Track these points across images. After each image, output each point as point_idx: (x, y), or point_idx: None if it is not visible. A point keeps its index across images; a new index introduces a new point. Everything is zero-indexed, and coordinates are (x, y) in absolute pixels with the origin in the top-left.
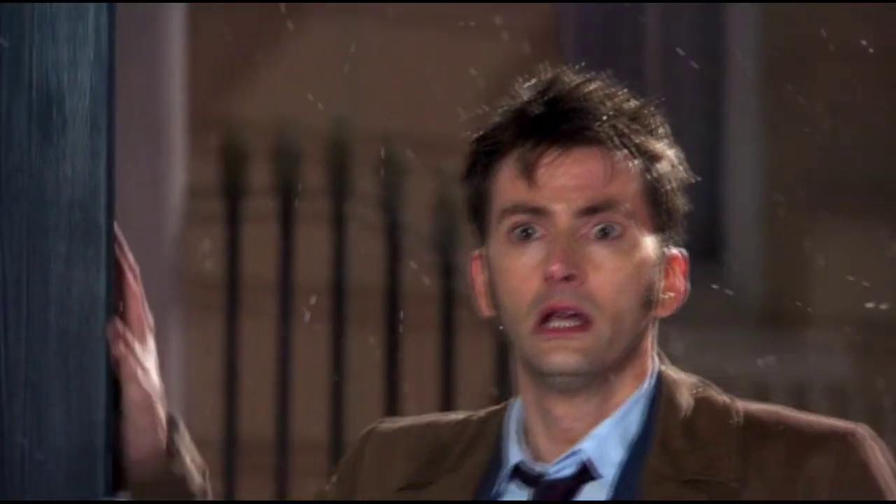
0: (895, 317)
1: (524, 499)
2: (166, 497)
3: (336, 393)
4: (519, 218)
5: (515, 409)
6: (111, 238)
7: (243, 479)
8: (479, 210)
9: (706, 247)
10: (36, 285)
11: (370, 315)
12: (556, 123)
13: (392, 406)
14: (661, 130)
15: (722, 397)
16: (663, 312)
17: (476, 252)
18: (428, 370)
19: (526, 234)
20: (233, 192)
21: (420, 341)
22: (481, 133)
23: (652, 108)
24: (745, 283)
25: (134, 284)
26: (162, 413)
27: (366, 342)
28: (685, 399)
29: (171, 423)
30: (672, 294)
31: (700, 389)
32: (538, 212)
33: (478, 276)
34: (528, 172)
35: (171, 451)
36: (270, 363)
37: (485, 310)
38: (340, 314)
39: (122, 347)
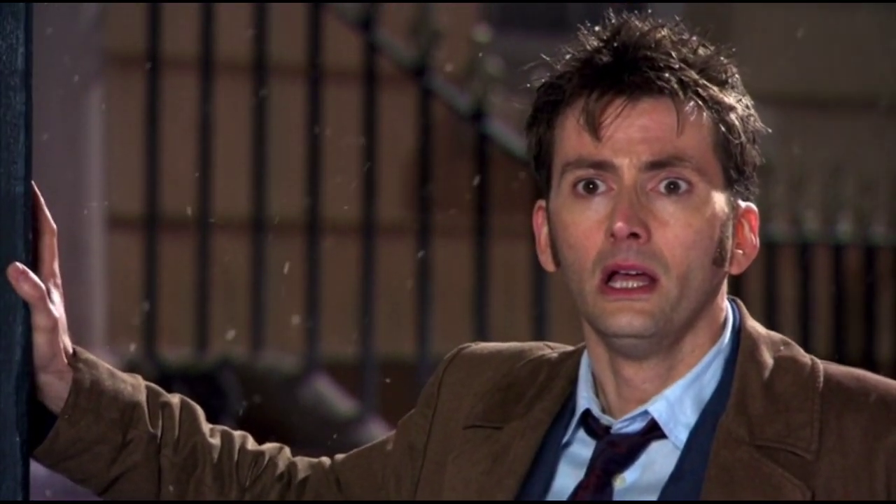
0: None
1: (590, 450)
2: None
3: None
4: (582, 172)
5: (587, 357)
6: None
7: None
8: (542, 161)
9: None
10: None
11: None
12: (623, 73)
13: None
14: (732, 80)
15: (805, 358)
16: (735, 270)
17: (540, 203)
18: None
19: (590, 189)
20: None
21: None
22: (545, 82)
23: (723, 58)
24: None
25: (51, 244)
26: (66, 339)
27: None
28: (766, 357)
29: (77, 352)
30: (744, 250)
31: (783, 348)
32: (602, 166)
33: (541, 228)
34: (591, 124)
35: (74, 368)
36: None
37: (548, 264)
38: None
39: (25, 286)
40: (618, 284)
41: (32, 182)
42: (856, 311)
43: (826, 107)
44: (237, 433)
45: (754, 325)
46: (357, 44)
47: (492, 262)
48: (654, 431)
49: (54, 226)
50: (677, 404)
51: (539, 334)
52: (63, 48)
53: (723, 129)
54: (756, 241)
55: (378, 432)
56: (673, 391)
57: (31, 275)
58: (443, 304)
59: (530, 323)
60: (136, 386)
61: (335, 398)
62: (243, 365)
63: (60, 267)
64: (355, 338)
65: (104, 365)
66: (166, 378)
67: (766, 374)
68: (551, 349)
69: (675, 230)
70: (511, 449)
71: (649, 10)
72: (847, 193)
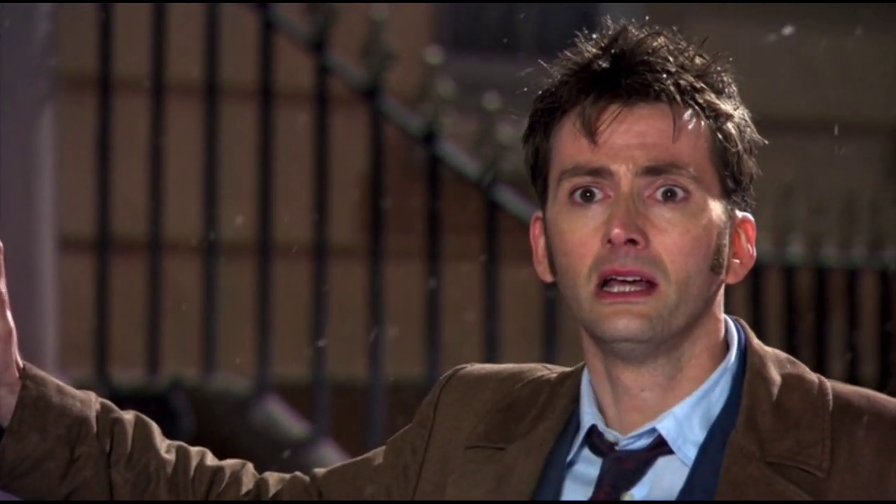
0: None
1: (597, 468)
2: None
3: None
4: (579, 180)
5: (587, 373)
6: None
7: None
8: (539, 171)
9: None
10: None
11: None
12: (620, 77)
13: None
14: (729, 90)
15: (812, 376)
16: (731, 279)
17: (537, 214)
18: None
19: (587, 197)
20: None
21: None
22: (542, 90)
23: (719, 66)
24: None
25: None
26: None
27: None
28: (774, 375)
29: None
30: (740, 260)
31: (790, 366)
32: (599, 173)
33: (538, 239)
34: (588, 129)
35: (22, 385)
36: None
37: (545, 275)
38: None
39: None
40: (615, 289)
41: None
42: (807, 334)
43: (777, 127)
44: (195, 449)
45: (760, 344)
46: (308, 66)
47: (444, 283)
48: (660, 447)
49: (0, 244)
50: (686, 422)
51: (492, 357)
52: (14, 70)
53: (720, 137)
54: (753, 251)
55: (330, 455)
56: (681, 409)
57: None
58: (395, 326)
59: (483, 346)
60: (85, 402)
61: (287, 420)
62: (194, 387)
63: (8, 286)
64: (307, 360)
65: (53, 381)
66: (117, 400)
67: (775, 391)
68: (549, 370)
69: (672, 237)
70: (515, 469)
71: (607, 17)
72: (798, 215)
